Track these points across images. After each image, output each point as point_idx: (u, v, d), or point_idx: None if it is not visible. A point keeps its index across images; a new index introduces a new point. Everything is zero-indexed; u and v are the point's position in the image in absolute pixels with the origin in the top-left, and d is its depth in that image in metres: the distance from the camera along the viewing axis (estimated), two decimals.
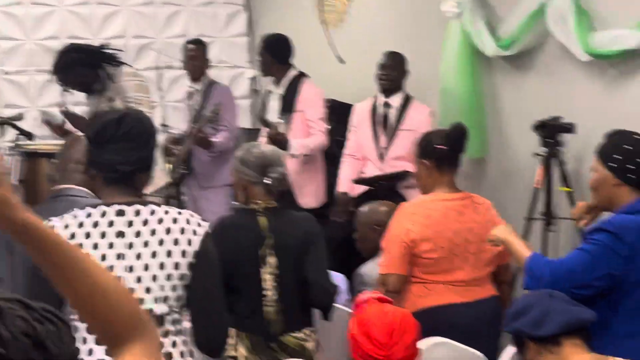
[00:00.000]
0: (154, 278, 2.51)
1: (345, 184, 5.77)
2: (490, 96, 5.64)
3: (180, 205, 6.42)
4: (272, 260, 3.53)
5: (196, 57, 6.47)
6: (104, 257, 2.48)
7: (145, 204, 2.57)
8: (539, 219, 4.94)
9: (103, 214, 2.52)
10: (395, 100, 5.70)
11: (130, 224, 2.52)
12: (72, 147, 3.27)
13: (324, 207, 5.91)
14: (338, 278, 3.93)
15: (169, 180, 6.43)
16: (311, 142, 5.75)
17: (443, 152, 3.83)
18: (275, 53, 6.03)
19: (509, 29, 5.29)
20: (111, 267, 2.47)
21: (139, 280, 2.50)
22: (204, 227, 2.61)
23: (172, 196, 6.51)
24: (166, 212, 2.57)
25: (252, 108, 8.10)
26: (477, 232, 3.80)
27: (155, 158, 2.69)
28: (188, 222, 2.58)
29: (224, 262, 3.33)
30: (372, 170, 5.71)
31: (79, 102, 6.02)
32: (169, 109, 8.07)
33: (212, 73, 7.69)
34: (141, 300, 2.47)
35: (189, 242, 2.55)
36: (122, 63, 5.56)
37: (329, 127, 6.43)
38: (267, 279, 3.54)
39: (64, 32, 7.70)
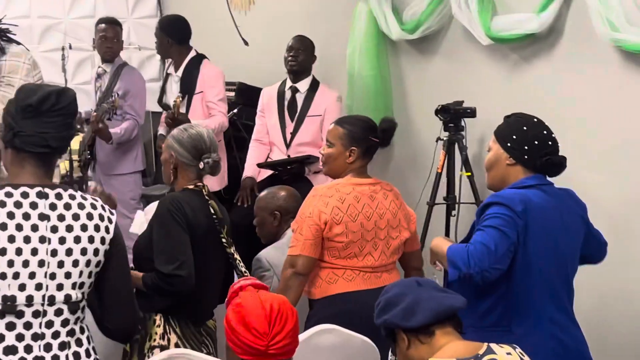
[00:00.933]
0: (75, 263, 2.49)
1: (251, 169, 5.69)
2: (396, 80, 5.62)
3: (84, 190, 6.28)
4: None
5: (109, 38, 6.23)
6: (27, 239, 2.43)
7: (65, 188, 2.54)
8: (441, 204, 4.94)
9: (24, 195, 2.46)
10: (303, 85, 5.63)
11: (53, 207, 2.48)
12: None
13: (228, 191, 5.81)
14: None
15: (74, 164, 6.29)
16: (211, 123, 5.65)
17: (374, 144, 3.80)
18: (172, 34, 5.88)
19: (413, 13, 5.26)
20: (35, 250, 2.43)
21: (60, 265, 2.47)
22: (114, 215, 2.63)
23: (77, 181, 6.37)
24: (84, 198, 2.56)
25: None
26: (386, 218, 3.77)
27: None
28: (103, 208, 2.59)
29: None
30: (278, 155, 5.63)
31: None
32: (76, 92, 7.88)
33: (122, 55, 7.55)
34: (60, 286, 2.47)
35: (107, 229, 2.56)
36: (12, 40, 5.35)
37: (236, 110, 6.36)
38: (238, 257, 3.55)
39: None
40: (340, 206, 3.69)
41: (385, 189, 3.84)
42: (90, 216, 2.53)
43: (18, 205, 2.45)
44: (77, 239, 2.49)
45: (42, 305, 2.45)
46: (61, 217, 2.48)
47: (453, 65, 5.20)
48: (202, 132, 3.55)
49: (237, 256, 3.56)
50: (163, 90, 6.12)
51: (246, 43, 6.55)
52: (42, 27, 7.99)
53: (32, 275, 2.43)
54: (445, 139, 4.88)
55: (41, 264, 2.44)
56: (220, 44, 6.95)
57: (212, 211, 3.49)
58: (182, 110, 5.60)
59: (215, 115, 5.73)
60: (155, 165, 7.29)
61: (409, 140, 5.58)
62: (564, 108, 4.51)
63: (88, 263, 2.51)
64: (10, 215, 2.43)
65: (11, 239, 2.41)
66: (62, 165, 6.70)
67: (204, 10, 7.26)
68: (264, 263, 4.14)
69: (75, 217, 2.50)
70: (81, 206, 2.53)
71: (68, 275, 2.48)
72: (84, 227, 2.51)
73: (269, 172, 5.64)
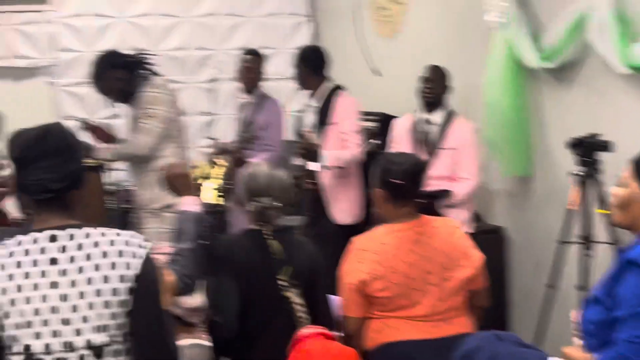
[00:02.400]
0: (91, 306, 2.36)
1: None
2: (534, 110, 5.33)
3: (223, 219, 6.34)
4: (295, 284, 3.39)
5: (250, 69, 6.31)
6: (36, 287, 2.35)
7: (79, 226, 2.42)
8: (575, 243, 4.62)
9: (34, 241, 2.39)
10: (437, 116, 5.44)
11: (63, 249, 2.39)
12: None
13: (361, 225, 5.68)
14: (335, 299, 3.73)
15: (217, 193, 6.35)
16: (344, 155, 5.55)
17: (398, 186, 3.56)
18: (309, 64, 5.85)
19: (551, 40, 4.98)
20: (44, 297, 2.35)
21: (74, 309, 2.36)
22: (145, 248, 2.45)
23: (219, 211, 6.43)
24: (103, 235, 2.42)
25: None
26: (437, 260, 3.52)
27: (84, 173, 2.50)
28: (127, 243, 2.42)
29: (239, 283, 3.26)
30: None
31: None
32: (223, 121, 8.05)
33: (273, 85, 7.61)
34: (78, 331, 2.36)
35: (127, 266, 2.40)
36: (154, 72, 5.47)
37: (377, 141, 6.24)
38: (299, 301, 3.38)
39: (124, 44, 7.70)
40: (378, 259, 3.47)
41: (435, 227, 3.59)
42: (105, 254, 2.39)
43: (26, 252, 2.37)
44: (90, 280, 2.37)
45: (63, 352, 2.35)
46: (71, 259, 2.37)
47: (591, 96, 4.87)
48: (258, 173, 3.44)
49: (296, 299, 3.37)
50: (300, 121, 6.11)
51: (378, 73, 6.43)
52: (197, 58, 8.19)
53: (45, 323, 2.34)
54: (579, 173, 4.56)
55: (54, 310, 2.35)
56: (367, 73, 6.91)
57: (272, 251, 3.37)
58: (314, 140, 5.55)
59: (349, 147, 5.66)
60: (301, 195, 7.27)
61: (548, 173, 5.28)
62: None
63: (107, 304, 2.38)
64: (18, 264, 2.36)
65: (19, 288, 2.34)
66: (203, 195, 6.80)
67: (353, 40, 7.22)
68: None
69: (88, 257, 2.38)
70: (96, 244, 2.39)
71: (85, 319, 2.36)
72: (97, 267, 2.38)
73: None
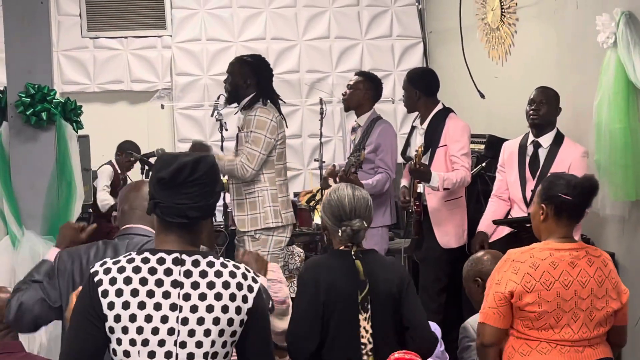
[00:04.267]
0: (207, 333, 2.44)
1: (485, 224, 5.48)
2: None
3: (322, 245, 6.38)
4: (369, 307, 3.38)
5: (360, 91, 6.22)
6: (158, 307, 2.43)
7: (205, 255, 2.51)
8: None
9: (161, 261, 2.47)
10: (546, 139, 5.32)
11: (188, 274, 2.46)
12: (139, 188, 3.28)
13: (464, 249, 5.63)
14: (432, 326, 3.70)
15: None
16: (453, 177, 5.50)
17: (566, 201, 3.50)
18: (420, 86, 5.81)
19: None
20: (165, 318, 2.42)
21: (191, 333, 2.43)
22: (258, 283, 2.55)
23: (318, 233, 6.49)
24: (223, 266, 2.51)
25: None
26: (590, 287, 3.45)
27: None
28: (244, 277, 2.53)
29: (322, 306, 3.29)
30: (518, 213, 5.36)
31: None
32: (334, 144, 8.10)
33: (385, 108, 7.64)
34: (191, 355, 2.43)
35: (244, 299, 2.49)
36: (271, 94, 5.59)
37: (484, 164, 6.18)
38: (366, 326, 3.38)
39: None
40: (533, 273, 3.42)
41: (591, 255, 3.51)
42: (226, 285, 2.47)
43: (152, 271, 2.44)
44: (210, 308, 2.44)
45: None
46: (195, 285, 2.45)
47: None
48: (343, 197, 3.45)
49: (364, 324, 3.35)
50: (407, 143, 6.08)
51: (482, 96, 6.36)
52: (310, 80, 8.30)
53: (161, 343, 2.41)
54: None
55: (171, 332, 2.42)
56: (474, 94, 6.85)
57: (358, 272, 3.38)
58: (422, 160, 5.53)
59: (458, 169, 5.60)
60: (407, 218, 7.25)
61: None
62: None
63: (221, 333, 2.45)
64: (143, 282, 2.42)
65: (141, 305, 2.41)
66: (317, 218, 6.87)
67: (463, 61, 7.17)
68: (470, 332, 3.91)
69: (210, 285, 2.45)
70: (218, 274, 2.48)
71: (199, 344, 2.43)
72: (218, 296, 2.45)
73: (507, 230, 5.39)
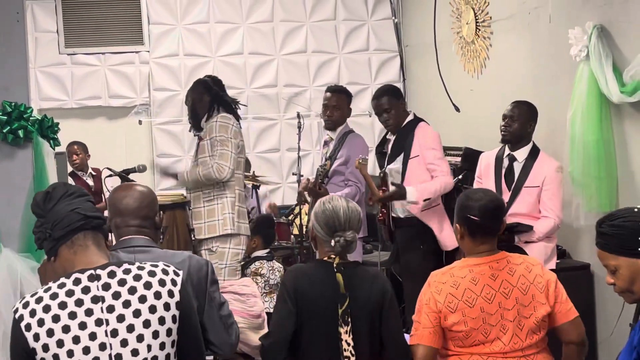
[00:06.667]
0: (139, 338, 2.41)
1: None
2: (620, 145, 5.24)
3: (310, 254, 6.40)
4: (350, 320, 3.40)
5: (329, 106, 6.18)
6: (83, 326, 2.39)
7: (119, 264, 2.49)
8: None
9: (77, 282, 2.43)
10: (521, 153, 5.33)
11: (106, 286, 2.43)
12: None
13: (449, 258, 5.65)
14: (408, 339, 3.73)
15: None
16: (431, 186, 5.51)
17: (475, 222, 3.55)
18: (394, 98, 5.82)
19: (633, 74, 4.91)
20: (93, 335, 2.39)
21: (124, 343, 2.40)
22: (180, 276, 2.52)
23: (306, 246, 6.50)
24: (140, 268, 2.48)
25: None
26: (514, 296, 3.46)
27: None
28: (165, 272, 2.49)
29: (297, 314, 3.32)
30: None
31: None
32: (312, 157, 8.13)
33: (361, 121, 7.68)
34: None
35: (170, 294, 2.46)
36: (235, 102, 5.64)
37: (461, 176, 6.23)
38: (347, 339, 3.40)
39: None
40: (455, 292, 3.43)
41: (512, 263, 3.52)
42: (148, 285, 2.44)
43: (70, 293, 2.41)
44: (137, 313, 2.41)
45: None
46: (116, 295, 2.41)
47: None
48: (338, 208, 3.48)
49: (345, 337, 3.37)
50: (382, 154, 6.07)
51: (457, 109, 6.42)
52: (288, 95, 8.35)
53: None
54: None
55: (102, 347, 2.38)
56: (450, 107, 6.91)
57: (339, 284, 3.40)
58: (393, 176, 5.54)
59: (438, 176, 5.61)
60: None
61: None
62: None
63: (155, 334, 2.41)
64: (62, 306, 2.39)
65: (65, 329, 2.38)
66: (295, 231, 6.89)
67: (443, 74, 7.23)
68: None
69: (132, 290, 2.42)
70: (137, 277, 2.45)
71: (135, 352, 2.40)
72: (142, 299, 2.42)
73: None
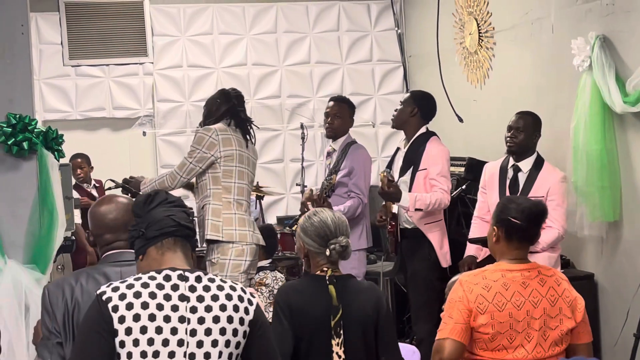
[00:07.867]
0: (214, 343, 2.55)
1: (473, 248, 5.50)
2: (622, 155, 5.25)
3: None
4: (342, 332, 3.41)
5: (331, 115, 6.18)
6: (167, 319, 2.53)
7: (205, 272, 2.66)
8: None
9: (167, 278, 2.59)
10: (526, 164, 5.33)
11: (192, 289, 2.59)
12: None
13: (454, 270, 5.64)
14: (410, 350, 3.74)
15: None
16: (427, 198, 5.54)
17: (515, 225, 3.57)
18: (421, 106, 5.79)
19: (635, 84, 4.92)
20: (174, 330, 2.52)
21: (199, 344, 2.54)
22: (255, 297, 2.69)
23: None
24: (223, 281, 2.65)
25: None
26: (542, 307, 3.50)
27: None
28: (244, 291, 2.66)
29: (292, 330, 3.36)
30: None
31: None
32: (316, 168, 8.14)
33: (364, 131, 7.69)
34: None
35: (246, 311, 2.62)
36: (249, 120, 5.63)
37: (464, 186, 6.24)
38: (339, 352, 3.42)
39: None
40: (486, 294, 3.47)
41: (543, 275, 3.56)
42: (229, 297, 2.60)
43: (160, 287, 2.56)
44: (216, 319, 2.56)
45: None
46: (200, 298, 2.57)
47: None
48: (326, 218, 3.51)
49: (337, 349, 3.39)
50: (390, 164, 6.09)
51: (460, 120, 6.43)
52: (292, 105, 8.37)
53: (171, 355, 2.50)
54: None
55: (180, 343, 2.51)
56: (454, 118, 6.92)
57: (331, 298, 3.42)
58: (402, 185, 5.57)
59: (436, 191, 5.63)
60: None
61: (637, 218, 5.17)
62: None
63: (227, 343, 2.56)
64: (152, 295, 2.54)
65: (152, 317, 2.51)
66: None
67: (446, 84, 7.24)
68: None
69: (214, 297, 2.58)
70: (220, 288, 2.62)
71: (207, 355, 2.53)
72: (222, 307, 2.58)
73: (488, 251, 5.43)
